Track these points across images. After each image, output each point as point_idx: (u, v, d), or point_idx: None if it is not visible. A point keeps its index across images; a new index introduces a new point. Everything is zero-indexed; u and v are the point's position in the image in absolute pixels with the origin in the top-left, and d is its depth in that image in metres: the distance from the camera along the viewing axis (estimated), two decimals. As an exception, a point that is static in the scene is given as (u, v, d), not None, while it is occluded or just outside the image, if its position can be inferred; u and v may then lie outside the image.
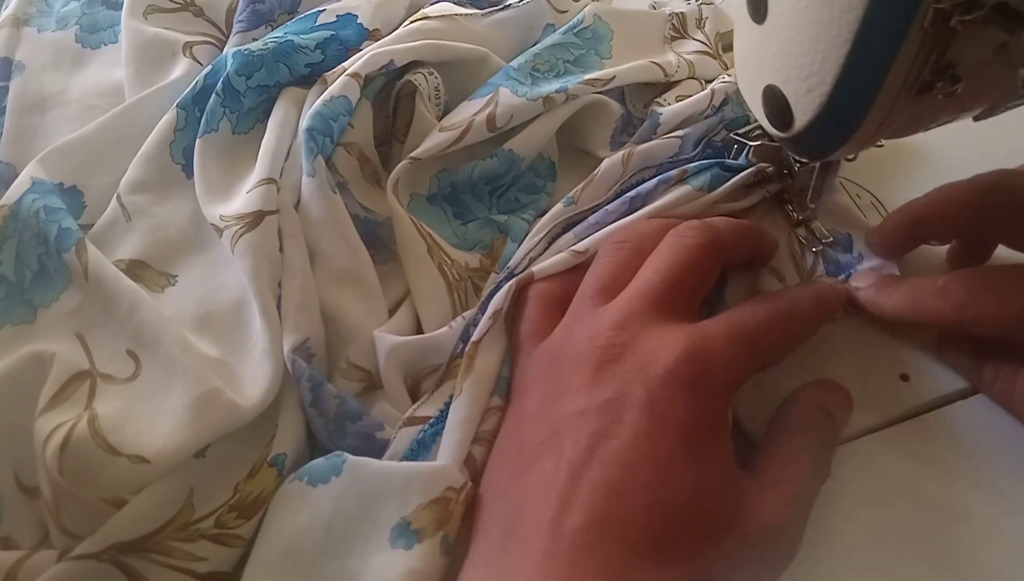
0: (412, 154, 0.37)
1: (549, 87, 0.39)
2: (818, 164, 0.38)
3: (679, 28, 0.46)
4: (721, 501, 0.27)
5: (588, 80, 0.40)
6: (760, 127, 0.38)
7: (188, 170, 0.39)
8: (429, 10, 0.42)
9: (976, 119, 0.30)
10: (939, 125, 0.31)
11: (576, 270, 0.34)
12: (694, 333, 0.29)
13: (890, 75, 0.26)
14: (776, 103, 0.31)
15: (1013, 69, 0.26)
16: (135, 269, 0.36)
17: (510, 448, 0.30)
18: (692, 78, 0.44)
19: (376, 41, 0.41)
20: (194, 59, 0.44)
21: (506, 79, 0.39)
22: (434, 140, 0.37)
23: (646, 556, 0.26)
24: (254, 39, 0.44)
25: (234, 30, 0.44)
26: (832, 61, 0.27)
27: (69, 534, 0.29)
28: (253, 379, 0.32)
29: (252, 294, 0.33)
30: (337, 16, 0.42)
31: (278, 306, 0.33)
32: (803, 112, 0.30)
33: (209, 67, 0.40)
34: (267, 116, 0.39)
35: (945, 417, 0.33)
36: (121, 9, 0.47)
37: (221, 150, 0.39)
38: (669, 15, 0.46)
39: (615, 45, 0.43)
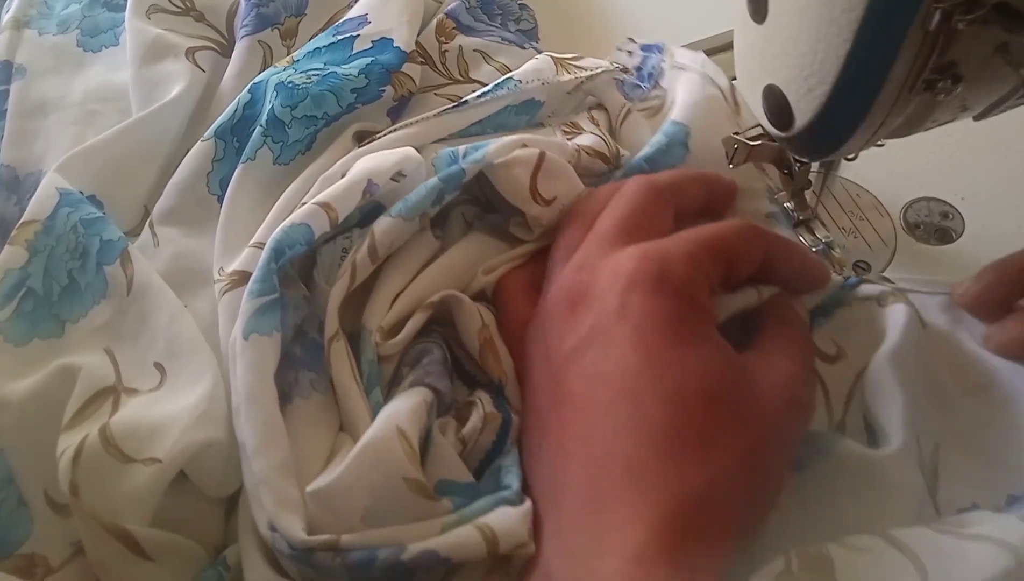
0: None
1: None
2: (818, 164, 0.38)
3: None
4: (727, 376, 0.28)
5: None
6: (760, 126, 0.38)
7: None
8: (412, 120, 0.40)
9: (976, 118, 0.30)
10: (940, 125, 0.31)
11: (535, 261, 0.36)
12: (646, 245, 0.30)
13: (891, 75, 0.26)
14: (776, 103, 0.31)
15: (1014, 69, 0.26)
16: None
17: (529, 418, 0.31)
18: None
19: (414, 64, 0.42)
20: (196, 65, 0.44)
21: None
22: (332, 302, 0.34)
23: (678, 454, 0.26)
24: (259, 42, 0.44)
25: (239, 34, 0.44)
26: (832, 61, 0.27)
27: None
28: None
29: (209, 352, 0.33)
30: (373, 42, 0.42)
31: None
32: (803, 112, 0.30)
33: (248, 96, 0.40)
34: (309, 148, 0.39)
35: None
36: (121, 11, 0.48)
37: (259, 181, 0.38)
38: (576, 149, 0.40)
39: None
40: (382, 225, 0.34)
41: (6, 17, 0.49)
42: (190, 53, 0.44)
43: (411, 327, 0.34)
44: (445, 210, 0.38)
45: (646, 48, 0.46)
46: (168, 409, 0.31)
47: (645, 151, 0.39)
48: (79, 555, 0.30)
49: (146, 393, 0.32)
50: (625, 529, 0.24)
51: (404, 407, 0.30)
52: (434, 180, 0.35)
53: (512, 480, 0.30)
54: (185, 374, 0.32)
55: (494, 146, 0.36)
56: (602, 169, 0.39)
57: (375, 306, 0.34)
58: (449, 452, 0.30)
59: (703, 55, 0.43)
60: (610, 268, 0.30)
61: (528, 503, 0.29)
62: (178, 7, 0.46)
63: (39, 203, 0.37)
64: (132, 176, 0.41)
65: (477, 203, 0.39)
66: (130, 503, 0.28)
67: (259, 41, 0.44)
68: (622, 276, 0.29)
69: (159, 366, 0.33)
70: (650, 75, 0.44)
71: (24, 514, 0.30)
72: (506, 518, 0.28)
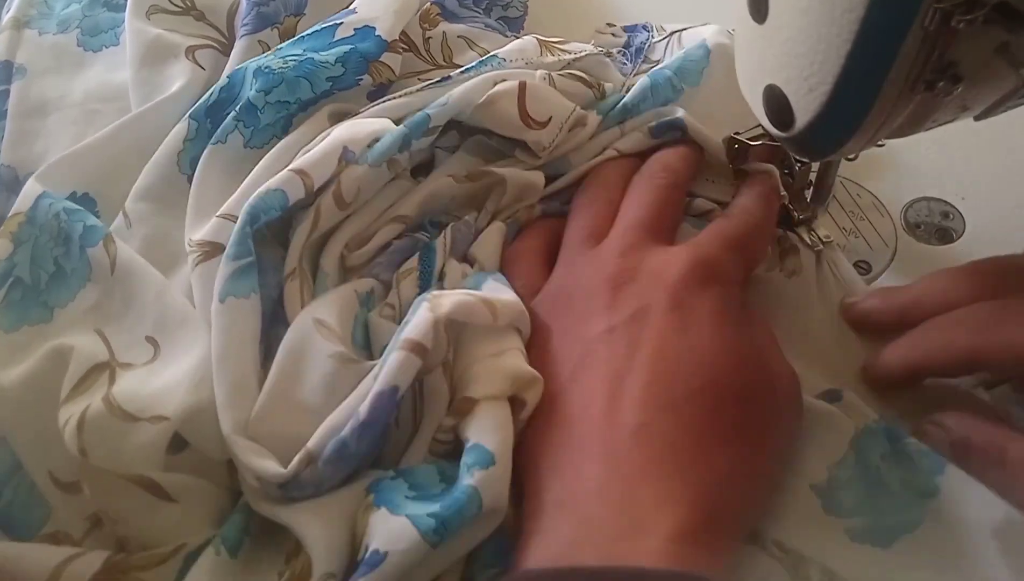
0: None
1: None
2: (818, 164, 0.38)
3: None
4: (762, 366, 0.29)
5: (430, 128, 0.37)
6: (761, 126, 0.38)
7: None
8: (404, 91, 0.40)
9: (977, 118, 0.30)
10: (940, 125, 0.31)
11: (551, 225, 0.37)
12: (692, 248, 0.32)
13: (891, 75, 0.26)
14: (777, 103, 0.31)
15: (1014, 69, 0.26)
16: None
17: (544, 383, 0.30)
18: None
19: (395, 53, 0.41)
20: (196, 63, 0.44)
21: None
22: (294, 243, 0.35)
23: (708, 439, 0.26)
24: (259, 41, 0.44)
25: (239, 34, 0.44)
26: (833, 61, 0.27)
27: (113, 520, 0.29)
28: None
29: (200, 321, 0.33)
30: (355, 29, 0.41)
31: None
32: (804, 112, 0.30)
33: (225, 80, 0.40)
34: (284, 132, 0.39)
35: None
36: (121, 11, 0.47)
37: (228, 163, 0.38)
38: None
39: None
40: (348, 172, 0.35)
41: (6, 17, 0.49)
42: (190, 52, 0.44)
43: (379, 238, 0.35)
44: (428, 163, 0.39)
45: (629, 29, 0.46)
46: (167, 375, 0.31)
47: (671, 62, 0.40)
48: (95, 529, 0.30)
49: (142, 366, 0.32)
50: (663, 507, 0.25)
51: (320, 302, 0.32)
52: (399, 127, 0.36)
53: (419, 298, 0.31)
54: (179, 344, 0.33)
55: (462, 89, 0.37)
56: (587, 94, 0.40)
57: (336, 241, 0.35)
58: (383, 324, 0.32)
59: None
60: (658, 265, 0.31)
61: (430, 295, 0.30)
62: (178, 7, 0.46)
63: (23, 198, 0.37)
64: (127, 174, 0.40)
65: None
66: (140, 456, 0.29)
67: (259, 40, 0.44)
68: (673, 276, 0.30)
69: (151, 339, 0.33)
70: (639, 51, 0.44)
71: (39, 496, 0.31)
72: (417, 319, 0.29)
